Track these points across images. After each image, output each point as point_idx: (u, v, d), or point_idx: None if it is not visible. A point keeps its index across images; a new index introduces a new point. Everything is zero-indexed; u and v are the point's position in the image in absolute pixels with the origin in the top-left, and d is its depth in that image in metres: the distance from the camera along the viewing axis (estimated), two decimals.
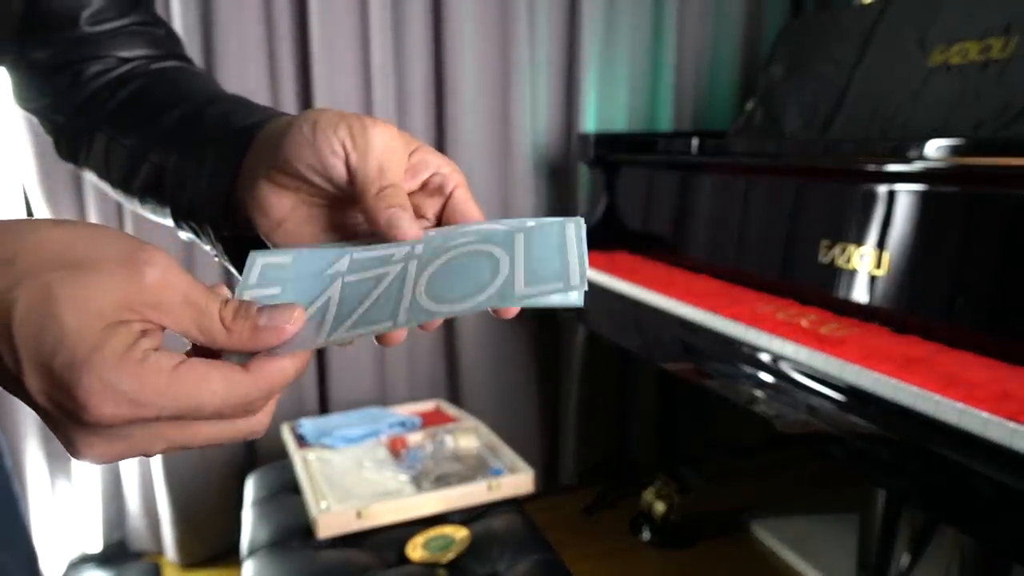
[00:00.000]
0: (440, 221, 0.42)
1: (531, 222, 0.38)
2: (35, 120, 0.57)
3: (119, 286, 0.28)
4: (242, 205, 0.41)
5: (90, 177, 0.55)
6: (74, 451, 0.30)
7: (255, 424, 0.33)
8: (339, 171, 0.37)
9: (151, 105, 0.50)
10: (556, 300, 0.32)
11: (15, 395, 0.29)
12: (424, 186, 0.42)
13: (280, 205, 0.40)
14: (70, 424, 0.29)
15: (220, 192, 0.43)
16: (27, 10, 0.50)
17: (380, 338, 0.35)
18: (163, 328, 0.30)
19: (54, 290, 0.27)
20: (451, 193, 0.43)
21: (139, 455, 0.30)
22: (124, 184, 0.51)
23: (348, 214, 0.41)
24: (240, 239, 0.44)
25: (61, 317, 0.27)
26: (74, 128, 0.54)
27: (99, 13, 0.53)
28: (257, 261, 0.37)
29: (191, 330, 0.31)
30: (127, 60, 0.54)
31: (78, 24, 0.52)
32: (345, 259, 0.37)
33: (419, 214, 0.41)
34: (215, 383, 0.30)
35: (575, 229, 0.36)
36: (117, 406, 0.28)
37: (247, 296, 0.35)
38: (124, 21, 0.54)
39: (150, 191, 0.49)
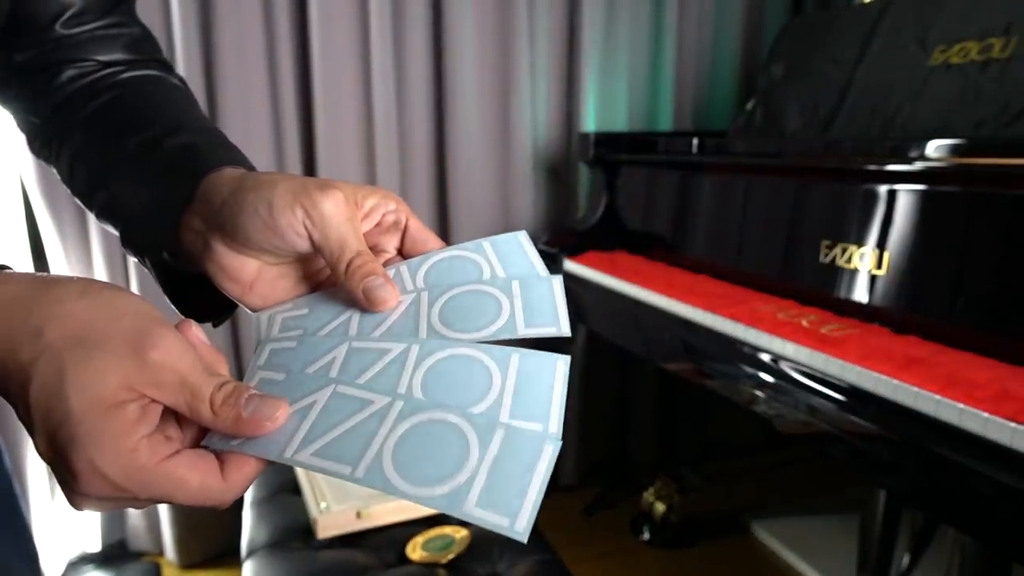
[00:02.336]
0: (402, 253, 0.45)
1: (518, 353, 0.38)
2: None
3: (124, 367, 0.32)
4: (194, 260, 0.43)
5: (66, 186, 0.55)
6: (70, 501, 0.34)
7: (223, 501, 0.36)
8: (304, 246, 0.40)
9: (117, 124, 0.51)
10: (530, 437, 0.37)
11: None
12: (379, 225, 0.44)
13: (246, 270, 0.42)
14: (66, 483, 0.33)
15: (164, 233, 0.45)
16: (9, 12, 0.50)
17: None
18: (162, 404, 0.34)
19: (67, 370, 0.31)
20: (406, 226, 0.44)
21: (123, 507, 0.35)
22: (84, 200, 0.52)
23: (318, 264, 0.43)
24: (185, 279, 0.48)
25: (68, 399, 0.31)
26: (47, 131, 0.54)
27: (79, 16, 0.53)
28: (267, 347, 0.40)
29: (183, 409, 0.34)
30: (105, 64, 0.54)
31: (57, 25, 0.52)
32: (343, 349, 0.38)
33: (380, 250, 0.44)
34: (191, 485, 0.33)
35: (564, 367, 0.38)
36: (102, 488, 0.32)
37: (256, 378, 0.38)
38: (103, 22, 0.54)
39: (104, 214, 0.50)
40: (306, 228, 0.39)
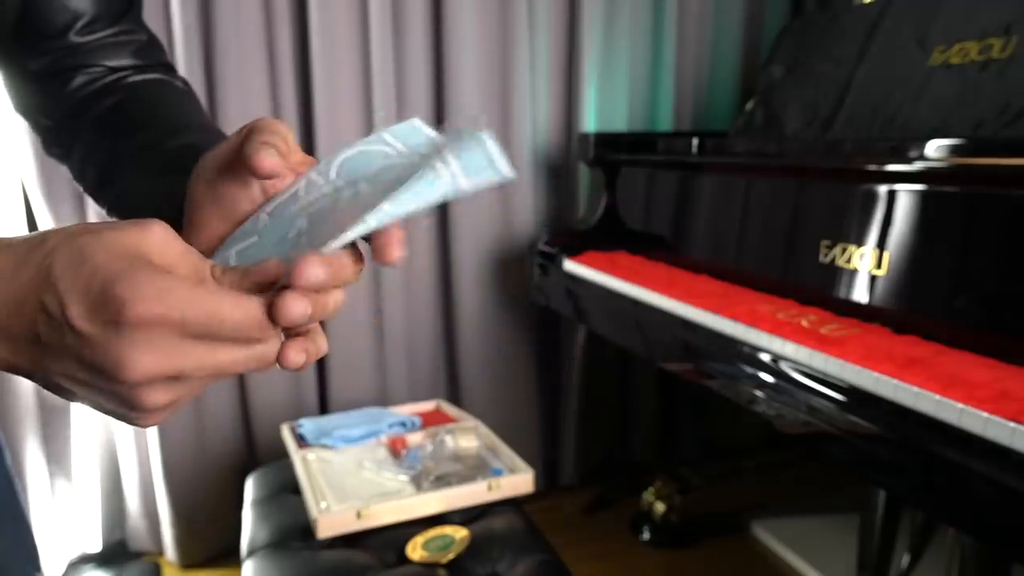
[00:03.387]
0: None
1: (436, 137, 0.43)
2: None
3: (133, 239, 0.33)
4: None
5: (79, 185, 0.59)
6: (117, 367, 0.32)
7: (270, 348, 0.36)
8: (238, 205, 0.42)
9: (123, 125, 0.54)
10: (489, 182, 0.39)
11: (56, 371, 0.34)
12: None
13: (205, 218, 0.43)
14: (112, 341, 0.32)
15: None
16: (23, 19, 0.52)
17: (378, 253, 0.41)
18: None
19: (84, 246, 0.33)
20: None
21: (172, 371, 0.33)
22: (95, 197, 0.56)
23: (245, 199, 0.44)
24: None
25: (94, 257, 0.32)
26: (59, 133, 0.58)
27: (91, 24, 0.55)
28: (232, 251, 0.41)
29: (190, 276, 0.35)
30: (113, 69, 0.57)
31: (70, 34, 0.55)
32: (299, 219, 0.40)
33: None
34: (231, 300, 0.34)
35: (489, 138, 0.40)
36: (147, 306, 0.31)
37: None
38: (113, 30, 0.57)
39: (114, 210, 0.54)
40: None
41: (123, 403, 0.34)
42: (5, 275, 0.33)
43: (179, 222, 0.44)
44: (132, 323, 0.31)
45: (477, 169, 0.39)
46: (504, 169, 0.39)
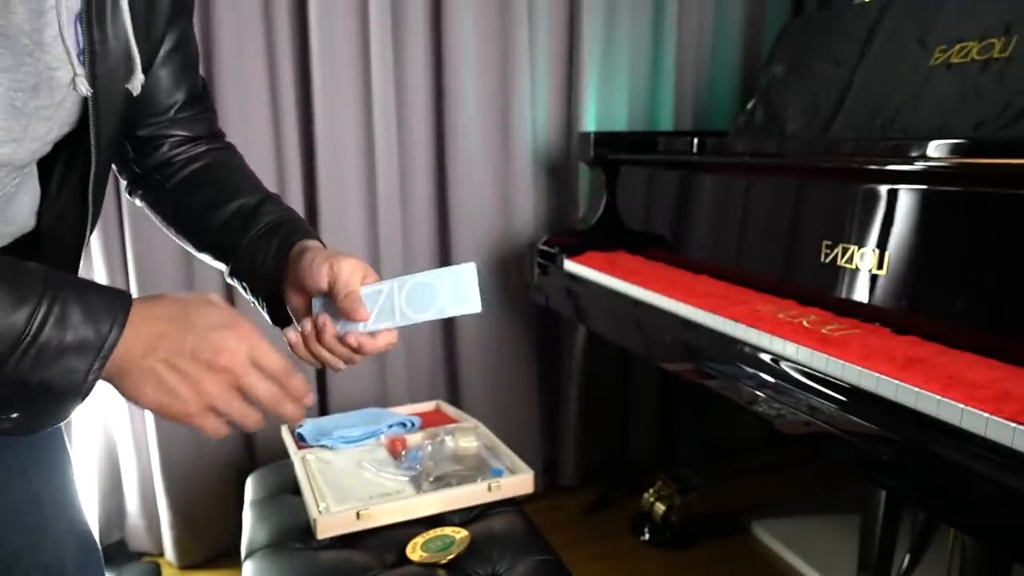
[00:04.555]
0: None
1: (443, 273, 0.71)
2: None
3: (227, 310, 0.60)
4: (280, 290, 0.74)
5: (147, 212, 0.82)
6: (217, 348, 0.56)
7: (297, 408, 0.61)
8: (324, 286, 0.70)
9: (217, 191, 0.78)
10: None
11: (162, 356, 0.55)
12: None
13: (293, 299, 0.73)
14: (218, 334, 0.57)
15: (272, 277, 0.74)
16: (141, 102, 0.71)
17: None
18: None
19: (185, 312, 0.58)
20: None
21: (246, 366, 0.58)
22: (188, 238, 0.80)
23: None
24: (273, 297, 0.76)
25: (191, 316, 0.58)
26: (147, 182, 0.80)
27: (183, 106, 0.78)
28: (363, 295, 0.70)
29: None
30: (192, 139, 0.80)
31: (170, 113, 0.77)
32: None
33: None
34: (277, 352, 0.60)
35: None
36: (242, 328, 0.59)
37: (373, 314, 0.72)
38: (195, 110, 0.79)
39: (209, 250, 0.79)
40: (329, 276, 0.69)
41: (200, 389, 0.55)
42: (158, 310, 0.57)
43: (275, 278, 0.74)
44: (234, 333, 0.57)
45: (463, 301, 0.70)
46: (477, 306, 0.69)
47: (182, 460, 1.68)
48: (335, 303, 0.69)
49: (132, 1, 0.62)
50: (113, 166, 0.78)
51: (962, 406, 0.71)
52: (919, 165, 0.93)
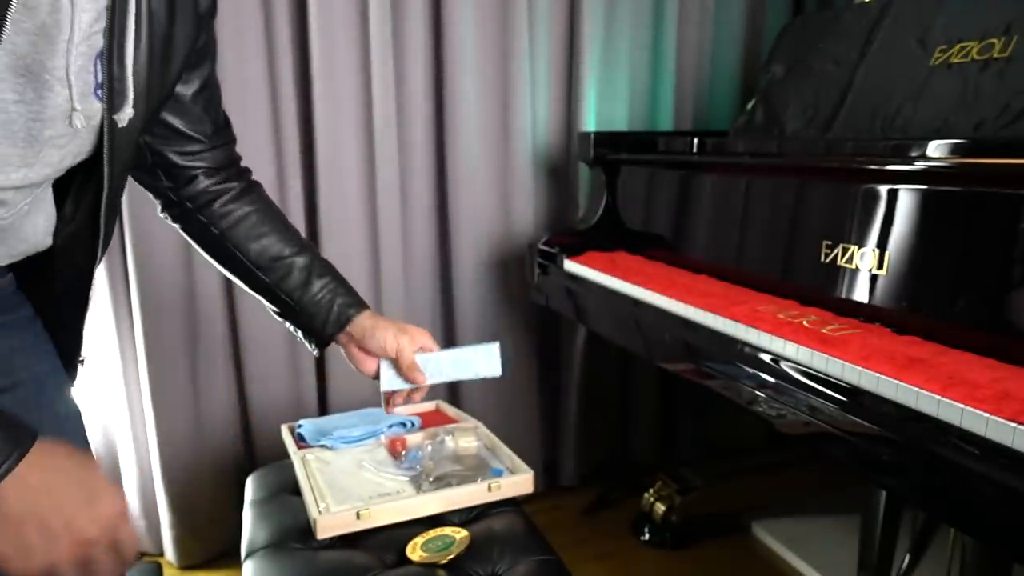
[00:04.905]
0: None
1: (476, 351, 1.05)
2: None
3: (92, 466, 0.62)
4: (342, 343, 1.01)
5: (183, 235, 0.95)
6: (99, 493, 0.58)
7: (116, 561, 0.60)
8: (392, 354, 0.99)
9: (259, 238, 0.94)
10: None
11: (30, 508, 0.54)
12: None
13: (370, 360, 1.02)
14: (96, 485, 0.59)
15: (327, 337, 0.99)
16: (174, 133, 0.82)
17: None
18: None
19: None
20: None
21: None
22: (221, 263, 0.95)
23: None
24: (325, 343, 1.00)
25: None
26: (181, 208, 0.92)
27: (211, 136, 0.88)
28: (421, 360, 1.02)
29: None
30: (221, 169, 0.91)
31: (199, 144, 0.87)
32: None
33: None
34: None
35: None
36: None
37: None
38: (221, 140, 0.91)
39: (251, 285, 0.96)
40: (396, 348, 0.98)
41: (54, 555, 0.54)
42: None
43: (330, 339, 0.99)
44: (113, 511, 0.58)
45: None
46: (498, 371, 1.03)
47: (182, 460, 1.68)
48: (400, 370, 1.00)
49: (151, 42, 0.67)
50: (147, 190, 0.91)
51: (962, 406, 0.71)
52: (919, 165, 0.93)
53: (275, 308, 0.97)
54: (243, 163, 0.97)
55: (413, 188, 1.80)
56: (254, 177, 0.98)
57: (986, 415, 0.69)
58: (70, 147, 0.64)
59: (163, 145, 0.85)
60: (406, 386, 1.01)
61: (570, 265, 1.53)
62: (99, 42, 0.62)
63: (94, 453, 0.85)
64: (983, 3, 1.12)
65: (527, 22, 1.77)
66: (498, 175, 1.85)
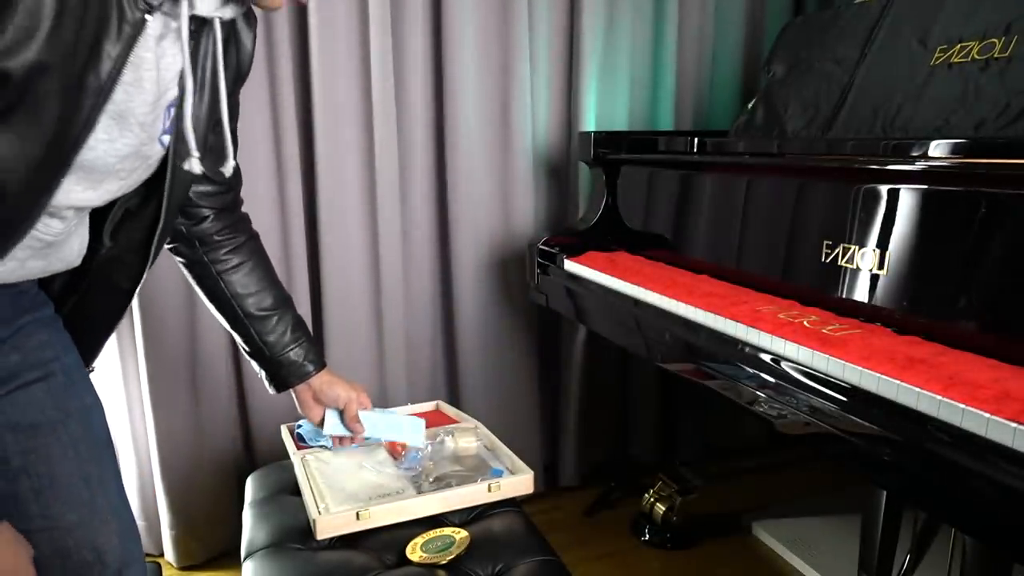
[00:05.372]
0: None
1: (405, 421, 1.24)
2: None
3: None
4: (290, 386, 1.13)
5: (184, 270, 1.07)
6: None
7: None
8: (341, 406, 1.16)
9: (250, 293, 1.07)
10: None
11: None
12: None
13: (316, 408, 1.16)
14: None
15: (291, 383, 1.12)
16: (204, 176, 0.86)
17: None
18: None
19: None
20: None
21: None
22: (213, 304, 1.07)
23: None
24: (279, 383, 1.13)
25: None
26: (187, 244, 1.02)
27: (229, 180, 0.95)
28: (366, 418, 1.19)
29: None
30: (225, 211, 1.03)
31: (220, 185, 0.99)
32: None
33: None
34: None
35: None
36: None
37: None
38: (235, 184, 1.03)
39: (242, 335, 1.09)
40: (344, 401, 1.15)
41: None
42: None
43: (290, 385, 1.13)
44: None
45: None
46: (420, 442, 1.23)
47: (182, 460, 1.68)
48: (345, 420, 1.16)
49: (211, 99, 0.80)
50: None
51: (963, 406, 0.71)
52: (920, 165, 0.93)
53: (247, 348, 1.09)
54: (242, 210, 1.09)
55: (413, 188, 1.80)
56: (257, 215, 1.13)
57: (987, 415, 0.69)
58: (128, 180, 0.75)
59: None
60: (347, 433, 1.17)
61: (570, 265, 1.53)
62: (172, 95, 0.74)
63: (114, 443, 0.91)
64: (983, 3, 1.12)
65: (527, 22, 1.77)
66: (498, 175, 1.85)
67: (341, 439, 1.19)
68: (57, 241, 0.74)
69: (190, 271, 1.06)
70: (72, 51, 0.60)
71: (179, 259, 1.05)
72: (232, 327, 1.08)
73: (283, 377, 1.10)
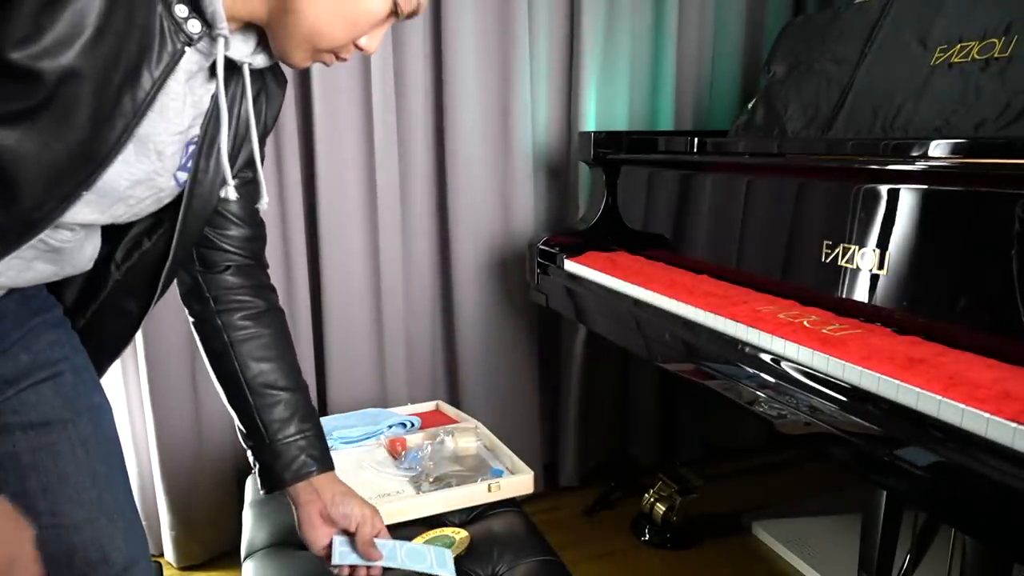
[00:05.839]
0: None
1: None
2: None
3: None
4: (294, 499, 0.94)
5: (192, 328, 0.95)
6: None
7: None
8: (354, 526, 0.93)
9: (271, 375, 0.94)
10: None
11: None
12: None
13: (321, 526, 0.93)
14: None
15: (286, 481, 0.92)
16: (219, 211, 0.87)
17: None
18: None
19: None
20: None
21: None
22: (228, 391, 0.94)
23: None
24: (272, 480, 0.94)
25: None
26: (201, 298, 0.92)
27: (249, 223, 0.94)
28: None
29: None
30: (246, 267, 0.94)
31: (240, 226, 0.92)
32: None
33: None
34: None
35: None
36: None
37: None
38: (256, 232, 0.96)
39: (240, 413, 0.94)
40: (359, 519, 0.92)
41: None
42: None
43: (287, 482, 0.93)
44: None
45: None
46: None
47: (182, 461, 1.68)
48: (358, 543, 0.91)
49: (234, 143, 0.81)
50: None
51: (963, 406, 0.71)
52: (920, 165, 0.93)
53: (244, 430, 0.94)
54: (270, 280, 0.99)
55: (413, 188, 1.80)
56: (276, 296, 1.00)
57: (987, 415, 0.69)
58: (135, 209, 0.76)
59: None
60: (360, 562, 0.90)
61: (570, 265, 1.53)
62: (194, 133, 0.75)
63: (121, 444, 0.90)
64: (983, 3, 1.12)
65: (527, 22, 1.77)
66: (498, 175, 1.85)
67: (353, 569, 0.92)
68: (65, 248, 0.75)
69: (199, 331, 0.95)
70: (112, 67, 0.62)
71: (190, 316, 0.95)
72: (231, 403, 0.94)
73: (277, 472, 0.91)
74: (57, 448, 0.79)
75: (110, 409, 0.88)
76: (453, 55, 1.72)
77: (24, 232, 0.67)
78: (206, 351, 0.94)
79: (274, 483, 0.92)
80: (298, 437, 0.92)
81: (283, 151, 1.65)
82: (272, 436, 0.91)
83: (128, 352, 1.66)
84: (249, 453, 0.94)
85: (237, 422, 0.94)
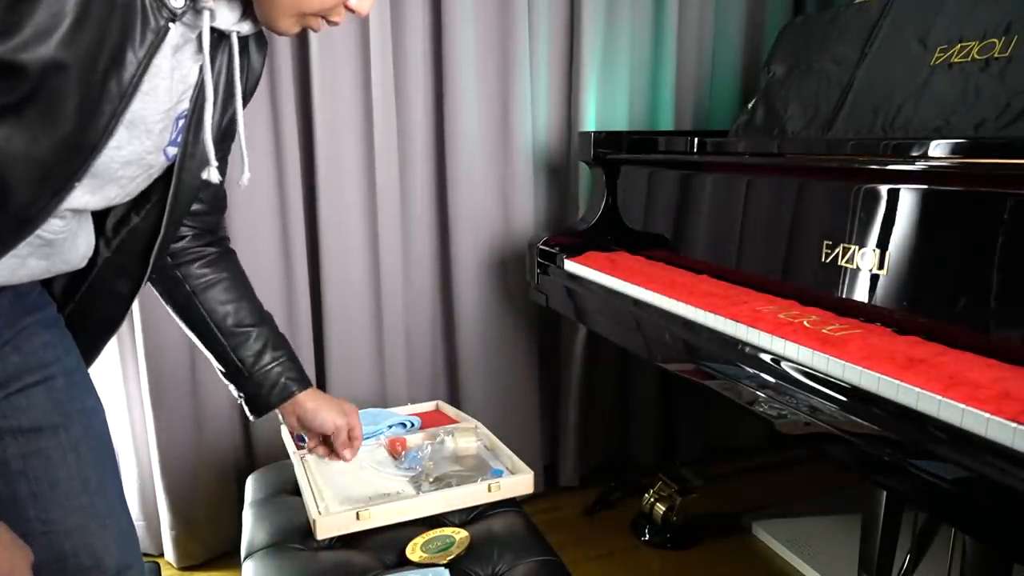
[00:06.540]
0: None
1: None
2: None
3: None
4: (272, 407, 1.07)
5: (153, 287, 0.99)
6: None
7: None
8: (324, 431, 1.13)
9: (223, 304, 1.00)
10: None
11: None
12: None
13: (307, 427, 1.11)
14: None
15: (269, 405, 1.06)
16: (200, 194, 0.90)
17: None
18: None
19: None
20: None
21: None
22: (201, 337, 1.01)
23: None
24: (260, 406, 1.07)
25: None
26: (161, 264, 0.94)
27: (215, 201, 0.98)
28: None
29: None
30: (206, 232, 0.99)
31: (206, 205, 0.97)
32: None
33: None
34: None
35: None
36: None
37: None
38: (220, 207, 1.00)
39: (217, 355, 1.02)
40: (335, 423, 1.10)
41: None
42: None
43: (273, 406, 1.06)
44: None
45: None
46: None
47: (182, 460, 1.68)
48: (335, 446, 1.12)
49: (221, 116, 0.80)
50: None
51: (963, 406, 0.71)
52: (920, 165, 0.93)
53: (223, 369, 1.02)
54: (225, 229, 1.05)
55: (413, 188, 1.80)
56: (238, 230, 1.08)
57: (987, 415, 0.69)
58: (128, 188, 0.75)
59: None
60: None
61: (570, 265, 1.53)
62: (183, 107, 0.74)
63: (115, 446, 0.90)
64: (983, 3, 1.12)
65: (527, 22, 1.77)
66: (498, 175, 1.85)
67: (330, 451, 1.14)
68: (57, 240, 0.74)
69: (159, 286, 0.99)
70: (95, 53, 0.60)
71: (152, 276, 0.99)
72: (205, 346, 1.01)
73: (263, 398, 1.03)
74: (48, 454, 0.78)
75: (103, 412, 0.87)
76: (453, 55, 1.72)
77: (21, 230, 0.66)
78: (170, 304, 0.99)
79: (263, 407, 1.04)
80: (274, 364, 1.02)
81: (283, 151, 1.65)
82: (250, 369, 1.01)
83: (128, 352, 1.66)
84: (232, 388, 1.04)
85: (215, 362, 1.02)
